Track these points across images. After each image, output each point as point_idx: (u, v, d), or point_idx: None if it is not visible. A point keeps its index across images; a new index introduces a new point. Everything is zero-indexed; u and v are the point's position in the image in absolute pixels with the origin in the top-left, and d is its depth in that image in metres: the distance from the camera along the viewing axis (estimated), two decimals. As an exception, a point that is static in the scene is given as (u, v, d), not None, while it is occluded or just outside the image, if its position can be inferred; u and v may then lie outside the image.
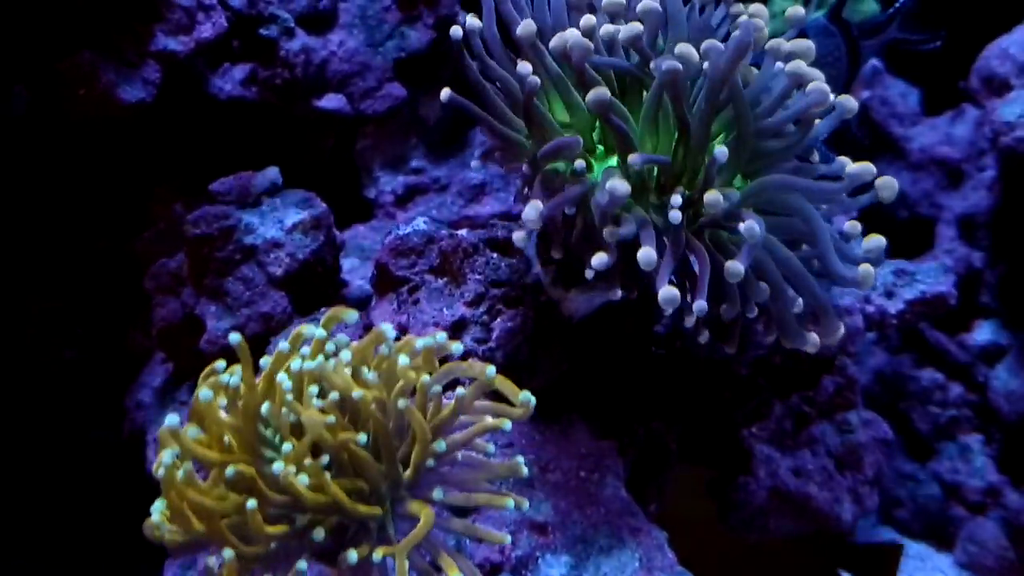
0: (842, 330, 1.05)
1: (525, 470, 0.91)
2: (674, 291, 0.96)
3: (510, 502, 0.89)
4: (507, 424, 0.89)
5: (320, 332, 0.89)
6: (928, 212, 1.88)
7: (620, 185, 0.95)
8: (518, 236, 1.05)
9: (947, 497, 1.66)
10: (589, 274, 1.01)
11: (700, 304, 0.96)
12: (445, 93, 1.10)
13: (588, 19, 1.05)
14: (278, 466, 0.79)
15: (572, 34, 1.01)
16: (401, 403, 0.83)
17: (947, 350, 1.72)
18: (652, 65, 1.00)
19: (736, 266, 0.95)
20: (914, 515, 1.68)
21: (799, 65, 1.01)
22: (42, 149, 1.62)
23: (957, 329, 1.73)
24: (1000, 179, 1.69)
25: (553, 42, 1.02)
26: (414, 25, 1.74)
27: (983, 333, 1.71)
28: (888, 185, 1.00)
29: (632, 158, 0.99)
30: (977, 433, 1.69)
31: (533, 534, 1.10)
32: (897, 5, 1.40)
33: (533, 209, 0.99)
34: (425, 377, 0.86)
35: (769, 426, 1.41)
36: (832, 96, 1.02)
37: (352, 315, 0.93)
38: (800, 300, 1.04)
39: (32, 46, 1.49)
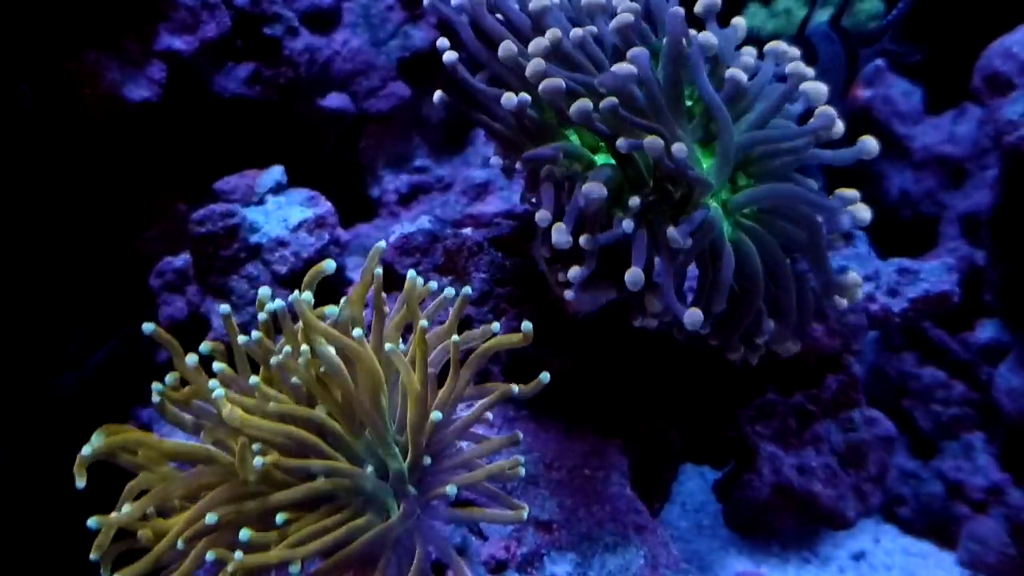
0: (846, 303, 1.07)
1: (521, 435, 0.91)
2: (698, 313, 0.96)
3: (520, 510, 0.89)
4: (514, 388, 0.90)
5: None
6: (931, 211, 1.88)
7: (594, 188, 0.96)
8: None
9: (950, 495, 1.66)
10: (573, 275, 1.01)
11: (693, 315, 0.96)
12: (438, 96, 1.11)
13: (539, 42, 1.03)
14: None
15: (536, 64, 1.00)
16: (388, 347, 0.84)
17: (950, 348, 1.72)
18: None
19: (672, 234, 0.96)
20: (917, 513, 1.68)
21: (815, 87, 1.02)
22: (47, 148, 1.62)
23: (960, 327, 1.73)
24: (1002, 177, 1.69)
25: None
26: (417, 24, 1.75)
27: (986, 331, 1.71)
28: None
29: (620, 142, 0.99)
30: (980, 431, 1.69)
31: (539, 532, 1.10)
32: (891, 16, 1.42)
33: (559, 234, 0.99)
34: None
35: (773, 424, 1.41)
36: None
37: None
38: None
39: (38, 46, 1.49)
